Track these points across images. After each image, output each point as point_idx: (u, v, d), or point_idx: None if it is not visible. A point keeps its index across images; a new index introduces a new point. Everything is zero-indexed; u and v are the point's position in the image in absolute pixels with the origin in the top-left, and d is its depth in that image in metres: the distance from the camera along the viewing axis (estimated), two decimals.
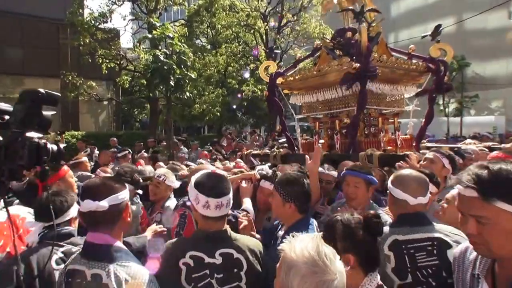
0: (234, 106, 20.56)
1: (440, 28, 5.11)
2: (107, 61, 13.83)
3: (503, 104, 35.02)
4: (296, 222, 2.12)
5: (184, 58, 11.95)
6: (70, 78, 13.82)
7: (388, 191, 2.07)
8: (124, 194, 1.65)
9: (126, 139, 14.72)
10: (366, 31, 3.95)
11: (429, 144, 6.73)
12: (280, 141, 9.87)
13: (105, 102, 16.48)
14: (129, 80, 15.63)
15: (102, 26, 14.01)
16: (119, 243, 1.63)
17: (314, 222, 2.22)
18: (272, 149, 5.58)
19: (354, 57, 4.06)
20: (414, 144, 5.07)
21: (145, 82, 14.51)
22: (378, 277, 1.51)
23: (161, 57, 11.18)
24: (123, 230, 1.72)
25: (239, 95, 19.04)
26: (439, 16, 28.70)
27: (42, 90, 1.27)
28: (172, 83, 11.36)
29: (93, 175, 4.20)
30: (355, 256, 1.47)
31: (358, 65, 3.82)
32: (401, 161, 3.29)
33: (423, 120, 5.11)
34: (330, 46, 4.80)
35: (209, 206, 1.68)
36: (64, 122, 16.66)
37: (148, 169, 4.57)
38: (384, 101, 4.98)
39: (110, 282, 1.46)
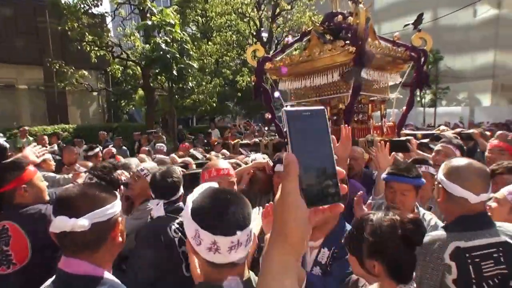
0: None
1: (422, 17, 4.89)
2: (96, 48, 12.02)
3: (468, 96, 35.83)
4: (336, 225, 1.69)
5: (187, 47, 10.87)
6: (58, 67, 11.99)
7: (439, 185, 1.62)
8: (113, 207, 1.15)
9: (121, 131, 13.14)
10: (365, 14, 3.46)
11: (407, 131, 6.57)
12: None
13: (95, 93, 14.79)
14: (121, 69, 14.16)
15: (91, 10, 11.91)
16: (106, 274, 1.12)
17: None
18: (262, 138, 5.18)
19: (348, 41, 3.62)
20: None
21: (140, 72, 13.20)
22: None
23: (163, 46, 10.08)
24: (112, 254, 1.20)
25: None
26: (419, 11, 28.50)
27: None
28: (174, 72, 10.28)
29: (58, 176, 3.44)
30: (382, 265, 1.16)
31: (355, 49, 3.36)
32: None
33: (404, 108, 4.91)
34: (320, 30, 4.33)
35: (218, 248, 0.96)
36: (51, 114, 14.72)
37: (134, 161, 3.90)
38: (372, 88, 4.61)
39: None
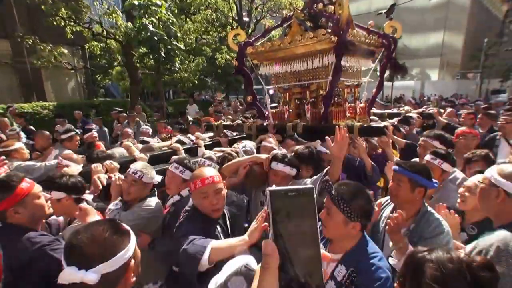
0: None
1: (395, 7, 4.90)
2: (72, 24, 10.69)
3: (420, 71, 37.38)
4: (358, 243, 1.53)
5: (174, 29, 10.21)
6: (30, 42, 10.56)
7: (493, 187, 1.51)
8: (126, 253, 1.01)
9: (104, 109, 11.99)
10: (348, 4, 3.36)
11: (376, 111, 6.80)
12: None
13: (68, 69, 13.51)
14: (100, 46, 12.87)
15: None
16: None
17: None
18: (246, 119, 5.07)
19: (329, 29, 3.53)
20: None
21: (119, 48, 12.19)
22: None
23: (150, 27, 9.39)
24: (130, 285, 1.08)
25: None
26: None
27: None
28: (162, 53, 9.70)
29: (39, 164, 2.91)
30: None
31: (336, 38, 3.29)
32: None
33: (374, 90, 5.11)
34: (301, 17, 4.19)
35: None
36: (25, 91, 13.08)
37: (119, 151, 3.51)
38: (347, 73, 4.62)
39: None
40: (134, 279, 1.10)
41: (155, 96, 22.28)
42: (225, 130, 4.57)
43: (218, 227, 1.86)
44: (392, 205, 2.02)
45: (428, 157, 2.56)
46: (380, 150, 3.53)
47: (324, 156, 2.76)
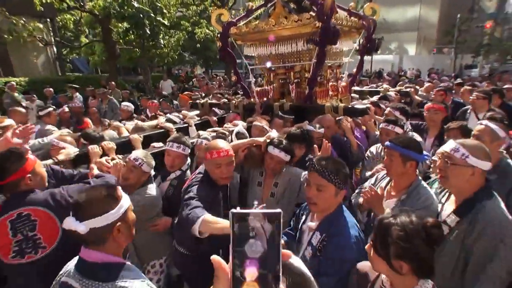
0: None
1: None
2: None
3: (398, 45, 37.90)
4: (335, 210, 1.70)
5: (160, 5, 10.01)
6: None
7: (469, 167, 1.65)
8: (115, 213, 1.22)
9: (79, 84, 11.22)
10: None
11: (356, 88, 7.10)
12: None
13: (41, 44, 12.45)
14: (73, 20, 12.28)
15: None
16: (118, 259, 1.24)
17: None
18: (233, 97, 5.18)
19: (312, 13, 3.66)
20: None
21: (96, 23, 11.64)
22: (431, 283, 1.24)
23: (135, 4, 9.14)
24: (118, 247, 1.27)
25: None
26: None
27: None
28: (147, 30, 9.56)
29: (32, 142, 2.87)
30: (409, 264, 1.20)
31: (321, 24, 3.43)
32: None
33: (355, 70, 5.43)
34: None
35: None
36: None
37: (109, 134, 3.54)
38: (329, 53, 4.78)
39: None
40: (125, 242, 1.29)
41: (126, 71, 21.48)
42: (213, 108, 4.66)
43: (220, 192, 2.17)
44: (388, 178, 2.22)
45: (382, 124, 3.00)
46: (364, 128, 3.81)
47: (312, 134, 3.00)
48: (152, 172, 2.41)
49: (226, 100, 5.15)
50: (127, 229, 1.28)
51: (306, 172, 1.91)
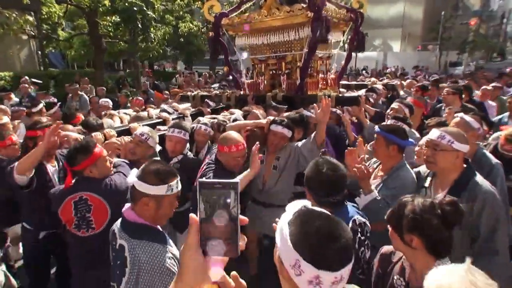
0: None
1: None
2: None
3: (382, 42, 38.46)
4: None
5: (152, 1, 9.95)
6: None
7: (454, 151, 1.81)
8: (153, 189, 1.40)
9: (64, 79, 11.15)
10: None
11: (343, 82, 7.26)
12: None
13: (25, 37, 12.06)
14: (58, 13, 11.94)
15: None
16: (147, 223, 1.43)
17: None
18: (223, 90, 5.22)
19: (303, 4, 3.74)
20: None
21: (84, 18, 11.45)
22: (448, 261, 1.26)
23: None
24: (148, 215, 1.43)
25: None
26: None
27: None
28: (139, 24, 9.59)
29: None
30: (420, 239, 1.24)
31: (312, 14, 3.52)
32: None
33: (343, 62, 5.49)
34: None
35: (321, 282, 0.80)
36: None
37: (108, 122, 3.60)
38: (319, 46, 4.89)
39: (129, 255, 1.33)
40: (163, 219, 1.47)
41: (106, 66, 20.82)
42: (206, 100, 4.70)
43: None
44: (378, 162, 2.41)
45: (391, 121, 3.02)
46: (355, 120, 3.90)
47: (309, 119, 3.12)
48: (158, 148, 2.54)
49: (218, 92, 5.18)
50: (154, 209, 1.42)
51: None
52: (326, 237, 0.82)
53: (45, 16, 11.70)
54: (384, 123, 2.54)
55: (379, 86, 6.21)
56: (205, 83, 10.92)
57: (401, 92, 5.89)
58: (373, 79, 7.47)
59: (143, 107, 5.75)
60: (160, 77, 15.48)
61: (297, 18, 3.87)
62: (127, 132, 2.95)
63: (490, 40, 30.19)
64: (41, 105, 4.74)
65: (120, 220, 1.47)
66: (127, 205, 1.46)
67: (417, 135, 3.05)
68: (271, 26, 4.26)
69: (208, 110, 4.28)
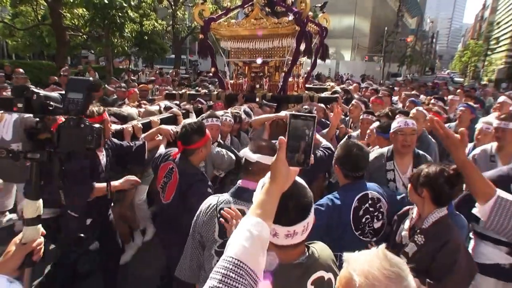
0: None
1: (326, 3, 6.00)
2: None
3: (335, 51, 41.25)
4: None
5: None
6: None
7: None
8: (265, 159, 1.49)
9: (35, 70, 10.97)
10: (309, 2, 4.40)
11: (307, 86, 8.13)
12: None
13: None
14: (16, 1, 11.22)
15: None
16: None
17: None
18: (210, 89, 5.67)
19: (288, 17, 4.48)
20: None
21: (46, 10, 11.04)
22: (445, 210, 1.68)
23: None
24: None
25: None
26: None
27: (91, 79, 1.22)
28: (117, 20, 9.59)
29: None
30: (428, 191, 1.66)
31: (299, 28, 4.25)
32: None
33: (309, 68, 6.50)
34: (262, 3, 4.98)
35: (277, 234, 1.04)
36: None
37: (132, 111, 3.75)
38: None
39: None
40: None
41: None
42: (198, 99, 5.04)
43: None
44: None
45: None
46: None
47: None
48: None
49: (207, 91, 5.64)
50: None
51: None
52: (286, 198, 0.99)
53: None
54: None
55: (338, 89, 7.17)
56: (172, 81, 11.18)
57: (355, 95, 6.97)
58: (332, 83, 8.48)
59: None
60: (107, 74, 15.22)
61: (283, 30, 4.57)
62: (148, 125, 3.14)
63: (423, 57, 34.21)
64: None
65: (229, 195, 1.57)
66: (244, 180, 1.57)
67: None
68: (256, 34, 4.89)
69: (206, 107, 4.58)
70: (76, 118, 1.08)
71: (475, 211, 1.33)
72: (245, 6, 5.39)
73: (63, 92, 1.11)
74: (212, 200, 1.62)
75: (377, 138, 2.90)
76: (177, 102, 5.31)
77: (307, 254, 1.12)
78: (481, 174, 1.32)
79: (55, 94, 1.11)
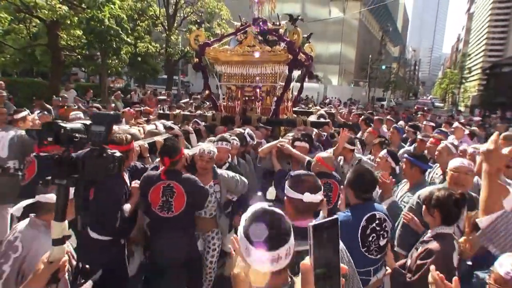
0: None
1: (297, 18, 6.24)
2: None
3: (323, 75, 42.67)
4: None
5: (126, 26, 10.52)
6: None
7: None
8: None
9: (25, 88, 11.00)
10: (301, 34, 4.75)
11: (295, 109, 8.40)
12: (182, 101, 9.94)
13: None
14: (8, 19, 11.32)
15: None
16: None
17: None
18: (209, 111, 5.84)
19: (279, 45, 4.76)
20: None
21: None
22: (452, 228, 2.01)
23: (106, 22, 9.50)
24: None
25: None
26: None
27: (112, 113, 1.36)
28: (114, 44, 9.92)
29: None
30: (439, 212, 1.97)
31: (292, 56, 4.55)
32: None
33: (296, 93, 6.95)
34: (255, 32, 5.27)
35: (262, 260, 1.07)
36: None
37: (135, 131, 3.63)
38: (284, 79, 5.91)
39: None
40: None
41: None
42: (195, 119, 5.07)
43: None
44: None
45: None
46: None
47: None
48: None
49: (201, 112, 5.78)
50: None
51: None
52: (264, 228, 1.07)
53: None
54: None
55: (323, 112, 7.44)
56: (164, 102, 11.36)
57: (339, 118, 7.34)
58: (317, 107, 8.83)
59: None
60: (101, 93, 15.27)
61: (276, 57, 4.83)
62: (153, 145, 3.21)
63: (407, 83, 35.82)
64: (25, 113, 4.57)
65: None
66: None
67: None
68: (251, 60, 5.14)
69: (204, 128, 4.61)
70: (99, 149, 1.21)
71: (478, 220, 1.38)
72: (238, 34, 5.68)
73: (87, 122, 1.24)
74: None
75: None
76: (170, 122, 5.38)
77: (289, 282, 1.13)
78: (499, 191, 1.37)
79: (78, 125, 1.24)
